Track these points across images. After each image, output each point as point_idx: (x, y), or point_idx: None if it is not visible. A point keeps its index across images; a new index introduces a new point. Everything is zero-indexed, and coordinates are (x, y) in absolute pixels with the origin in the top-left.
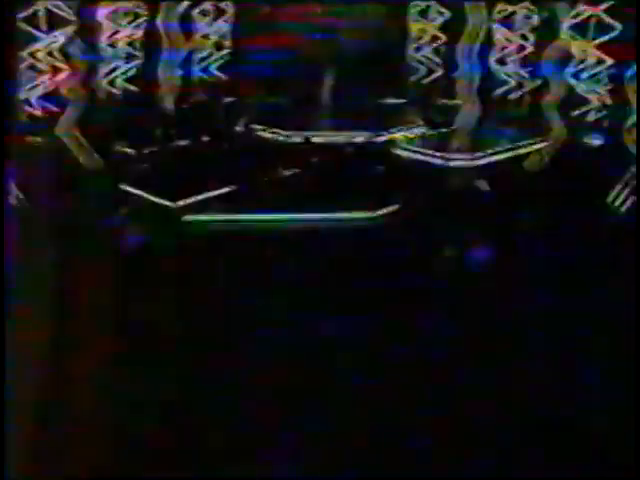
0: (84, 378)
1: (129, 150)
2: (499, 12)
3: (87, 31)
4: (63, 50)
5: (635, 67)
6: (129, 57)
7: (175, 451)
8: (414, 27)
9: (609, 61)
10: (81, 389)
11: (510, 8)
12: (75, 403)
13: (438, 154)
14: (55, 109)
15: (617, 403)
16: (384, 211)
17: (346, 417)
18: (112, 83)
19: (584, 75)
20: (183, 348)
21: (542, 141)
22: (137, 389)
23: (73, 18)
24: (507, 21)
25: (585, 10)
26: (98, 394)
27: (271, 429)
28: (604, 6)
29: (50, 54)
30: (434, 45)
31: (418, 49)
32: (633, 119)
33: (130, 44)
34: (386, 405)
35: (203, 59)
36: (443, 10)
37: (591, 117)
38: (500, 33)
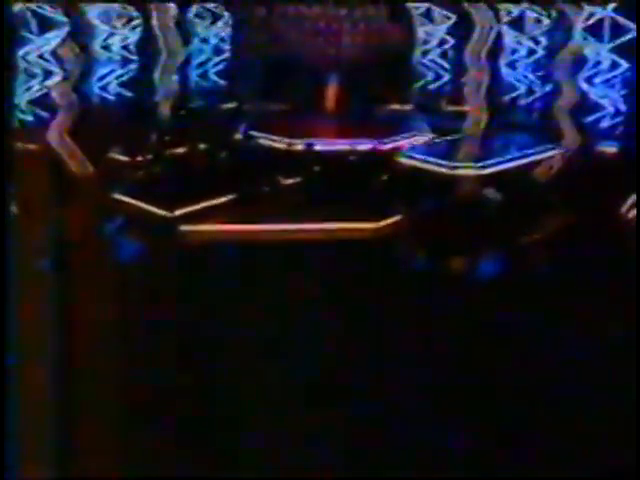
0: (81, 388)
1: (123, 158)
2: (508, 14)
3: (80, 33)
4: (55, 53)
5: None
6: (124, 61)
7: None
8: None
9: (624, 65)
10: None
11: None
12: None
13: (444, 162)
14: (46, 114)
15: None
16: (388, 221)
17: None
18: (106, 88)
19: (598, 80)
20: (179, 355)
21: (554, 149)
22: (136, 397)
23: (65, 20)
24: (517, 24)
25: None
26: (101, 398)
27: None
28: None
29: (41, 57)
30: (441, 49)
31: (425, 53)
32: None
33: (125, 47)
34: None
35: (201, 64)
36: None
37: (605, 123)
38: (510, 36)
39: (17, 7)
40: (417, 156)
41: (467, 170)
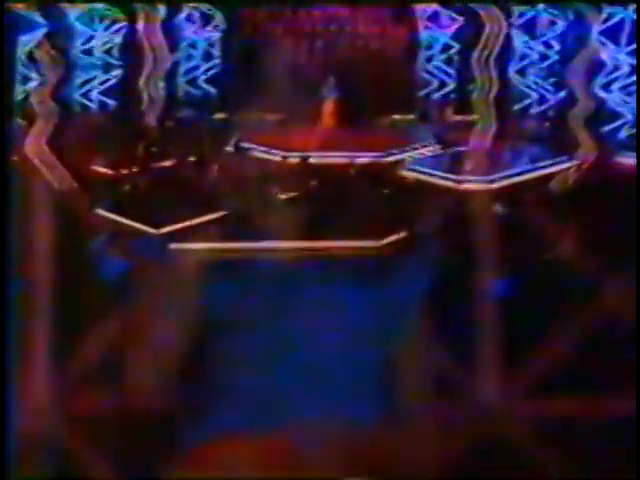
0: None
1: (107, 171)
2: (519, 16)
3: (59, 36)
4: (31, 56)
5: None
6: (107, 66)
7: None
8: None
9: None
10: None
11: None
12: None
13: (450, 176)
14: (23, 123)
15: None
16: (390, 239)
17: None
18: (87, 95)
19: (616, 86)
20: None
21: (568, 160)
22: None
23: (42, 21)
24: (529, 27)
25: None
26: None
27: None
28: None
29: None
30: (446, 54)
31: (429, 59)
32: None
33: (108, 52)
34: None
35: (190, 70)
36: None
37: (624, 133)
38: (520, 40)
39: None
40: (421, 169)
41: (475, 184)
